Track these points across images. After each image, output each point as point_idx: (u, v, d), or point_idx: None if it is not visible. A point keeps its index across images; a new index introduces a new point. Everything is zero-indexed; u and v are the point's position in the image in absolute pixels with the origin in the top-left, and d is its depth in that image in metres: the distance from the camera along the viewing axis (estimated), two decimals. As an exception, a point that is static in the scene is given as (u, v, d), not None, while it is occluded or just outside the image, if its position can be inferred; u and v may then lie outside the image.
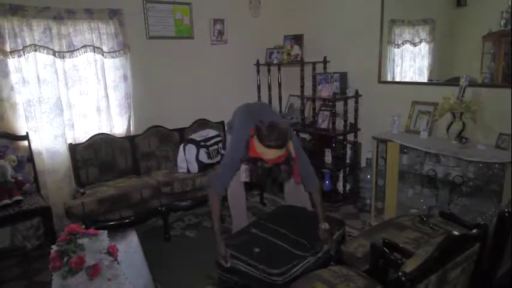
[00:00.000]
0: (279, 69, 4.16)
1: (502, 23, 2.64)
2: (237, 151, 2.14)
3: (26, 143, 3.04)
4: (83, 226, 2.03)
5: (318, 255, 2.11)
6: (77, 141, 3.27)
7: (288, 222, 2.35)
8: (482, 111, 2.69)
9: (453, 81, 2.83)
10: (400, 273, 1.14)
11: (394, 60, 3.41)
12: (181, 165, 3.38)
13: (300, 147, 2.34)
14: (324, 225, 2.22)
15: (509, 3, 2.56)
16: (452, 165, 2.80)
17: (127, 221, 2.94)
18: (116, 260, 1.92)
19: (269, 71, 4.31)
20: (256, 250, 2.07)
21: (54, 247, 1.89)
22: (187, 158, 3.34)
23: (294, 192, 2.65)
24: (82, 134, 3.34)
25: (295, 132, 4.28)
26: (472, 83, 2.69)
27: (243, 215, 2.70)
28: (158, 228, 3.26)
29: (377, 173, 3.15)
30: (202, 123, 3.86)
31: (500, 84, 2.69)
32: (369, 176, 3.39)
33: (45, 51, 3.03)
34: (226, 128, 2.60)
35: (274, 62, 4.14)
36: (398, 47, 3.35)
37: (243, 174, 2.11)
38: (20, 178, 2.85)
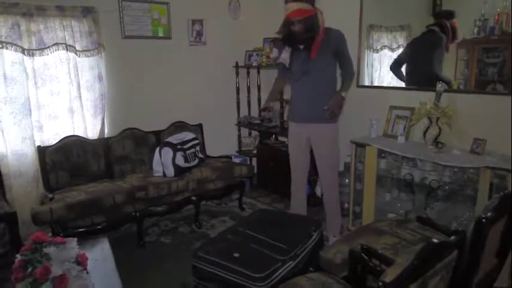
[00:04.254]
0: (258, 72, 4.13)
1: (474, 31, 2.71)
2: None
3: (-10, 145, 2.88)
4: (50, 234, 1.93)
5: (297, 259, 2.08)
6: (47, 144, 3.13)
7: (266, 227, 2.31)
8: (457, 116, 2.74)
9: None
10: (380, 284, 1.11)
11: (372, 65, 3.43)
12: (157, 169, 3.28)
13: (347, 50, 2.81)
14: (344, 93, 2.71)
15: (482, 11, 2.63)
16: (428, 170, 2.83)
17: (99, 227, 2.82)
18: (85, 269, 1.81)
19: (248, 73, 4.27)
20: (236, 255, 2.02)
21: (18, 256, 1.78)
22: (163, 162, 3.25)
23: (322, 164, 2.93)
24: (52, 136, 3.20)
25: (274, 136, 4.26)
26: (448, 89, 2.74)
27: (302, 205, 3.07)
28: (132, 235, 3.13)
29: (355, 177, 3.15)
30: (179, 126, 3.78)
31: (474, 90, 2.74)
32: (347, 180, 3.39)
33: (13, 49, 2.89)
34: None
35: (254, 65, 4.10)
36: (377, 52, 3.37)
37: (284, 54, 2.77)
38: (-17, 182, 2.70)
